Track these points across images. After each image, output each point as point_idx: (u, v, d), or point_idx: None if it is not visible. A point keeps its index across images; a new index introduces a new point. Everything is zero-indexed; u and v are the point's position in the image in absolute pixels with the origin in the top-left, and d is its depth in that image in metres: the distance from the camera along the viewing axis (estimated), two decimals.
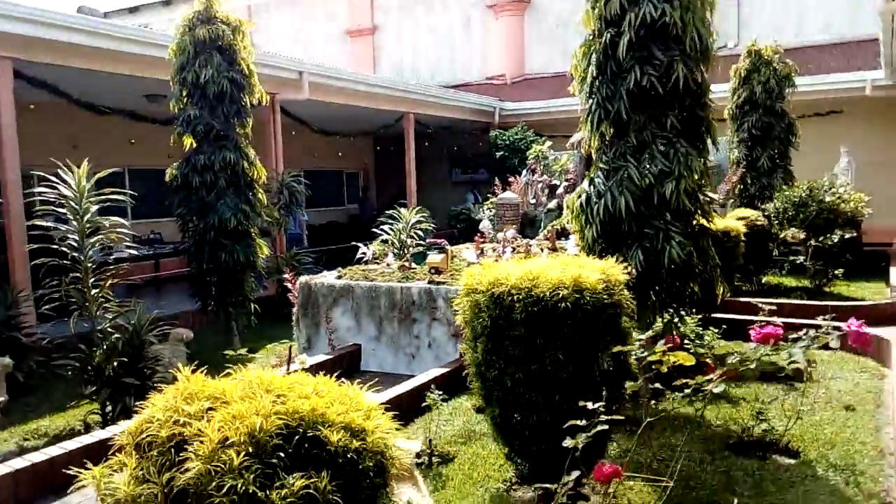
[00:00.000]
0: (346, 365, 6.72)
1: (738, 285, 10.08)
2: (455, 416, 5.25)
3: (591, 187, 5.21)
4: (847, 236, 8.98)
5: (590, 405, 2.75)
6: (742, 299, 9.07)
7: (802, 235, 9.12)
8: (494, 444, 4.21)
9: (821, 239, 9.15)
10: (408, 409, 4.89)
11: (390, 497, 2.02)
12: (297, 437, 1.79)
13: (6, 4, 6.89)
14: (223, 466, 1.64)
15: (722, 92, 11.91)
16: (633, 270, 5.02)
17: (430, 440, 4.38)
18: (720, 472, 4.22)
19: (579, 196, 5.26)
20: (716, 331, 6.27)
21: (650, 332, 5.35)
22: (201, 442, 1.70)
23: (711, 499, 3.86)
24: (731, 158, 11.48)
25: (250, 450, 1.68)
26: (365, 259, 8.38)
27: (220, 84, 7.01)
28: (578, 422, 2.77)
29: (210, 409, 1.83)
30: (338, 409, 1.91)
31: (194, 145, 7.24)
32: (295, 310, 7.15)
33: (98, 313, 5.41)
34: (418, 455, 4.36)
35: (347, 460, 1.81)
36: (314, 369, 6.47)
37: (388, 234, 9.06)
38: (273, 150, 10.62)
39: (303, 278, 7.13)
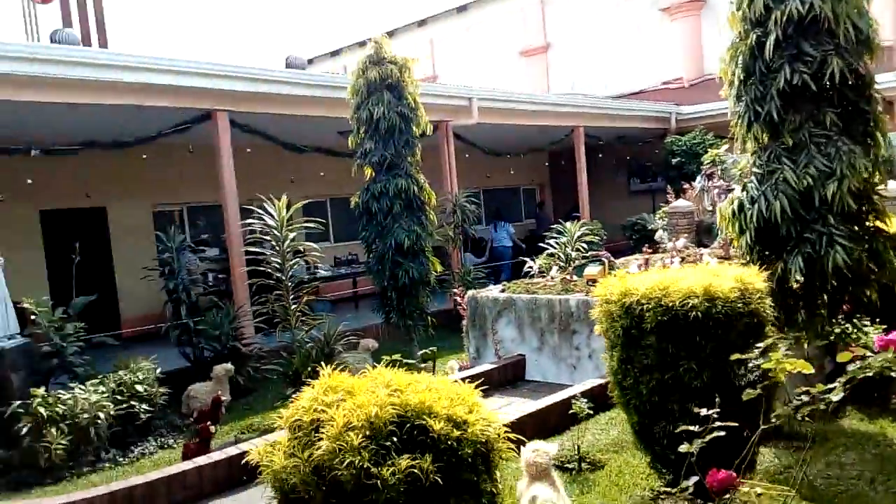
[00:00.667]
0: (511, 374, 7.06)
1: None
2: (611, 426, 5.35)
3: (744, 193, 5.08)
4: None
5: (703, 412, 2.82)
6: None
7: None
8: (642, 454, 4.29)
9: None
10: (560, 418, 5.10)
11: (495, 483, 2.30)
12: (407, 424, 2.15)
13: (223, 66, 8.24)
14: (346, 445, 2.05)
15: None
16: (796, 278, 4.86)
17: (578, 446, 4.56)
18: (891, 492, 3.93)
19: (731, 203, 5.15)
20: None
21: (815, 342, 5.10)
22: (331, 425, 2.13)
23: None
24: None
25: (368, 433, 2.08)
26: (531, 273, 8.69)
27: (391, 119, 7.76)
28: (692, 427, 2.85)
29: (342, 399, 2.26)
30: (443, 403, 2.25)
31: (372, 175, 8.06)
32: (464, 322, 7.64)
33: (296, 325, 6.25)
34: (566, 461, 4.57)
35: (448, 447, 2.13)
36: (480, 377, 6.90)
37: (554, 247, 9.29)
38: (447, 172, 11.34)
39: (470, 292, 7.62)
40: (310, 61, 28.80)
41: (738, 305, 3.50)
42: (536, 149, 14.69)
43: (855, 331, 5.09)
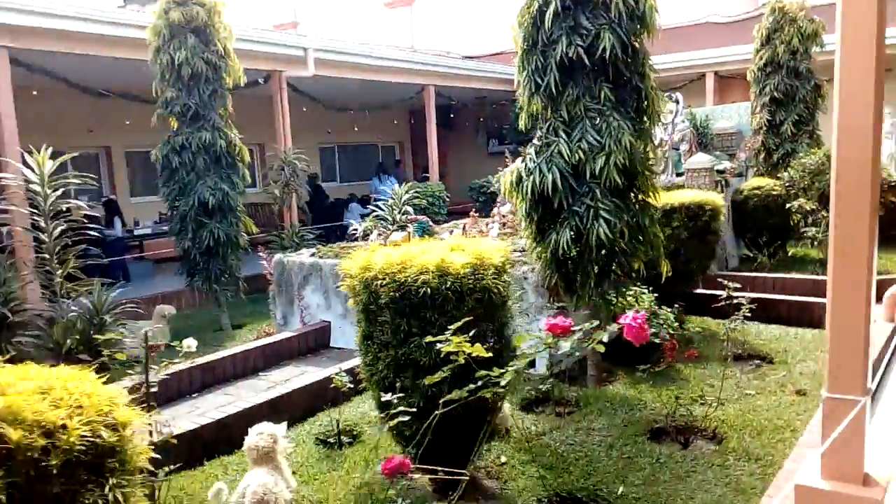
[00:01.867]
0: (314, 341, 6.86)
1: (751, 255, 9.67)
2: None
3: (523, 164, 5.07)
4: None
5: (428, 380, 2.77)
6: (740, 273, 8.71)
7: (811, 206, 8.58)
8: None
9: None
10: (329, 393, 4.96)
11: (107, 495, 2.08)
12: None
13: None
14: None
15: (746, 54, 11.32)
16: (564, 248, 4.94)
17: (337, 421, 4.45)
18: (624, 458, 4.11)
19: (512, 173, 5.14)
20: (671, 309, 6.04)
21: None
22: None
23: (599, 487, 3.78)
24: (752, 124, 10.86)
25: None
26: (356, 236, 8.46)
27: (195, 65, 7.17)
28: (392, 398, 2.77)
29: None
30: (36, 407, 1.97)
31: (177, 126, 7.46)
32: (271, 287, 7.33)
33: (63, 293, 5.68)
34: (329, 436, 4.45)
35: (29, 459, 1.87)
36: (282, 345, 6.66)
37: (382, 209, 9.10)
38: (280, 126, 10.79)
39: (277, 256, 7.29)
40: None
41: (469, 282, 3.44)
42: (385, 106, 14.34)
43: (619, 297, 5.26)
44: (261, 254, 7.06)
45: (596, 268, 5.08)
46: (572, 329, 2.48)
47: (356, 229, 8.54)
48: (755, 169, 11.04)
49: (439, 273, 3.43)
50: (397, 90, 13.81)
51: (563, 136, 4.93)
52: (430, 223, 8.40)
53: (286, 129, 10.79)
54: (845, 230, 2.72)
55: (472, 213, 9.68)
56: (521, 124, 5.25)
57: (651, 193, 5.21)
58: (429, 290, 3.38)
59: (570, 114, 4.95)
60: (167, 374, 3.82)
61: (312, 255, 7.29)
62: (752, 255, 9.80)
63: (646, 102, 4.99)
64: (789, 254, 10.02)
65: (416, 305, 3.45)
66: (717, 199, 6.77)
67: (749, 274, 8.61)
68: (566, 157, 4.85)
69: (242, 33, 10.06)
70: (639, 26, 4.91)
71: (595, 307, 5.25)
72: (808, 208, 8.53)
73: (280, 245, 9.78)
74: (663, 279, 5.45)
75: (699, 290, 7.60)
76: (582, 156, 4.82)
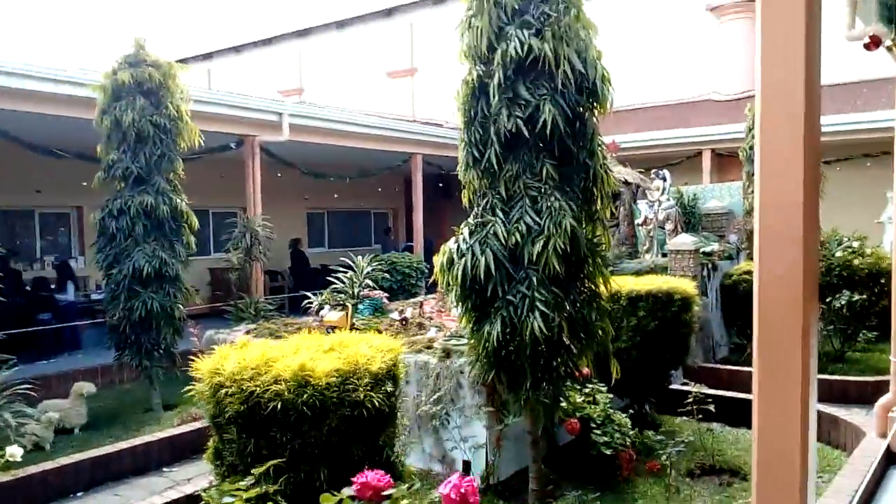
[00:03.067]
0: None
1: (741, 344, 8.96)
2: None
3: (456, 244, 4.51)
4: (858, 298, 7.72)
5: None
6: (724, 367, 7.99)
7: None
8: None
9: (827, 301, 7.92)
10: None
11: None
12: None
13: None
14: None
15: (737, 133, 10.88)
16: (493, 343, 4.33)
17: None
18: None
19: (444, 254, 4.57)
20: (643, 408, 5.36)
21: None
22: None
23: None
24: (745, 204, 10.31)
25: None
26: (311, 309, 7.88)
27: (142, 128, 6.78)
28: None
29: None
30: None
31: (120, 189, 7.03)
32: None
33: None
34: None
35: None
36: (191, 436, 5.96)
37: (343, 282, 8.54)
38: (251, 191, 10.40)
39: (209, 332, 6.70)
40: (182, 61, 27.08)
41: (333, 395, 2.82)
42: (371, 174, 13.98)
43: (556, 400, 4.59)
44: (191, 329, 6.47)
45: (533, 366, 4.43)
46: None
47: (311, 302, 7.96)
48: (747, 252, 10.42)
49: (297, 383, 2.82)
50: (384, 157, 13.49)
51: (501, 215, 4.38)
52: (385, 300, 7.82)
53: (256, 194, 10.39)
54: (769, 323, 2.15)
55: (440, 289, 9.10)
56: (465, 201, 4.72)
57: (601, 282, 4.61)
58: (279, 404, 2.77)
59: (510, 192, 4.42)
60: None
61: (247, 332, 6.69)
62: (742, 343, 9.08)
63: (595, 182, 4.45)
64: None
65: (265, 422, 2.83)
66: (688, 286, 6.13)
67: (734, 367, 7.89)
68: (502, 240, 4.28)
69: (213, 97, 9.83)
70: (588, 99, 4.42)
71: (534, 411, 4.58)
72: None
73: (236, 315, 9.21)
74: (613, 380, 4.79)
75: (675, 386, 6.89)
76: (519, 238, 4.26)
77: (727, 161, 14.64)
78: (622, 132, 15.54)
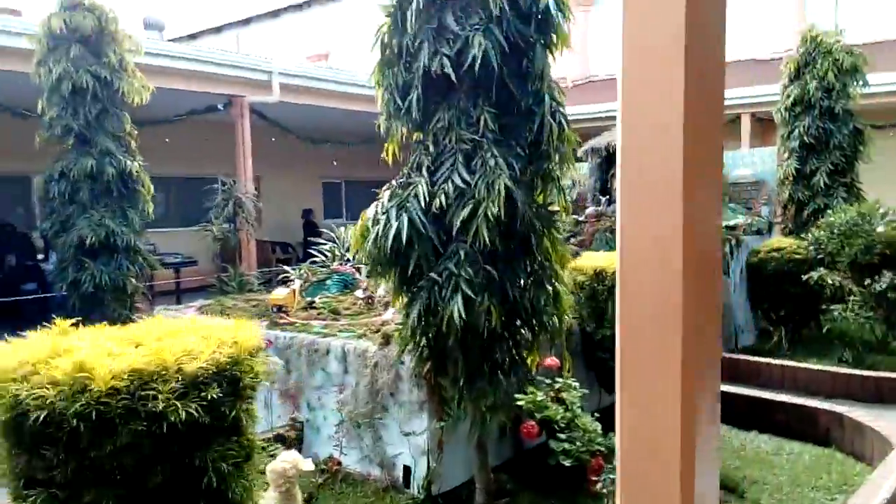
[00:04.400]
0: None
1: (770, 330, 7.95)
2: None
3: (373, 210, 3.75)
4: None
5: None
6: (743, 357, 7.03)
7: (834, 279, 6.86)
8: None
9: (865, 284, 6.86)
10: None
11: None
12: None
13: None
14: None
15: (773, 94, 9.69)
16: (414, 328, 3.58)
17: None
18: None
19: (363, 221, 3.80)
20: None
21: None
22: None
23: None
24: (779, 173, 9.17)
25: None
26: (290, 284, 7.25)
27: (80, 80, 6.18)
28: None
29: None
30: None
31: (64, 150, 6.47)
32: None
33: None
34: None
35: None
36: None
37: (325, 255, 7.89)
38: (241, 156, 9.79)
39: (157, 309, 6.12)
40: (193, 36, 26.65)
41: (121, 403, 2.13)
42: (374, 140, 13.17)
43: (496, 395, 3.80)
44: (138, 305, 5.90)
45: (467, 358, 3.66)
46: None
47: (289, 276, 7.32)
48: (782, 226, 9.31)
49: (72, 388, 2.12)
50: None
51: (426, 175, 3.59)
52: (357, 276, 7.11)
53: (247, 158, 9.78)
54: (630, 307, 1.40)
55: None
56: (389, 158, 3.94)
57: (556, 260, 3.78)
58: (43, 414, 2.08)
59: (440, 146, 3.62)
60: None
61: (200, 308, 6.08)
62: (771, 329, 8.08)
63: (543, 135, 3.60)
64: (824, 330, 8.12)
65: (35, 437, 2.15)
66: None
67: (754, 358, 6.92)
68: (423, 203, 3.50)
69: (195, 53, 9.21)
70: (537, 31, 3.56)
71: (476, 411, 3.82)
72: (829, 281, 6.81)
73: (220, 290, 8.65)
74: (596, 375, 3.99)
75: None
76: (444, 202, 3.46)
77: (769, 126, 13.31)
78: None
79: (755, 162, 9.08)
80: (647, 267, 1.35)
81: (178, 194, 13.10)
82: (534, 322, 3.73)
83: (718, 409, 1.48)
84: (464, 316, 3.32)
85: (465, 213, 3.41)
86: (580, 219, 8.80)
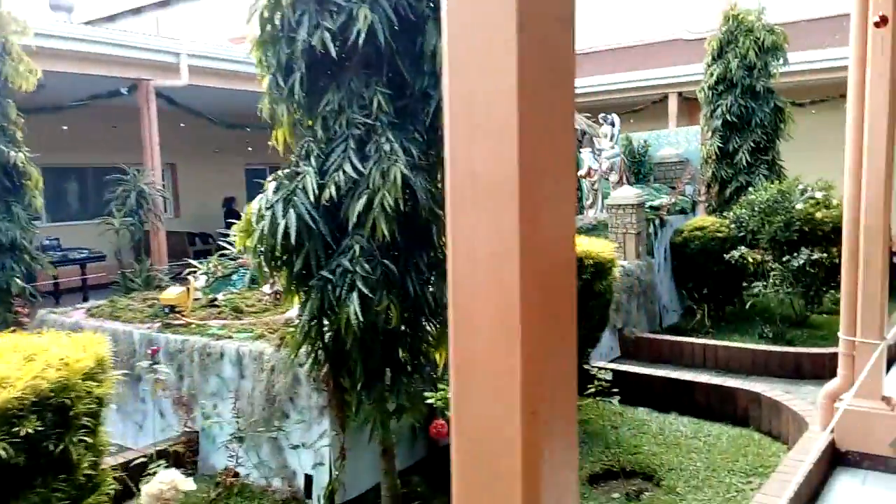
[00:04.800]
0: None
1: (694, 308, 7.96)
2: None
3: (258, 203, 3.42)
4: (819, 256, 6.70)
5: None
6: (666, 338, 7.00)
7: (755, 256, 6.89)
8: None
9: (784, 260, 6.90)
10: None
11: None
12: None
13: None
14: None
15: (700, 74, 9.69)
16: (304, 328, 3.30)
17: None
18: None
19: (247, 215, 3.47)
20: None
21: None
22: None
23: None
24: (702, 151, 9.20)
25: None
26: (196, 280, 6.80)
27: None
28: None
29: None
30: None
31: None
32: None
33: None
34: None
35: None
36: None
37: (231, 248, 7.45)
38: (147, 143, 9.19)
39: (41, 312, 5.61)
40: (111, 18, 25.26)
41: None
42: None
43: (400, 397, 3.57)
44: (18, 309, 5.40)
45: (366, 359, 3.39)
46: None
47: (195, 271, 6.87)
48: (706, 205, 9.37)
49: None
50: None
51: (314, 163, 3.27)
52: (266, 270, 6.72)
53: (154, 146, 9.18)
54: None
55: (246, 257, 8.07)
56: (279, 147, 3.60)
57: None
58: None
59: (330, 131, 3.31)
60: None
61: (87, 312, 5.61)
62: (694, 307, 8.10)
63: (440, 119, 3.33)
64: (747, 306, 8.18)
65: None
66: (603, 249, 5.07)
67: (676, 339, 6.90)
68: (312, 196, 3.19)
69: (95, 35, 8.56)
70: (426, 6, 3.27)
71: (377, 414, 3.56)
72: (750, 259, 6.83)
73: (124, 287, 8.11)
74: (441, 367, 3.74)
75: (599, 364, 5.88)
76: (335, 193, 3.16)
77: (696, 106, 13.45)
78: (580, 77, 14.35)
79: (679, 141, 9.07)
80: (481, 286, 1.10)
81: (86, 185, 12.35)
82: (439, 316, 3.48)
83: (574, 435, 1.25)
84: (360, 317, 3.04)
85: (359, 205, 3.12)
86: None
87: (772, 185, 7.41)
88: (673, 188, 8.58)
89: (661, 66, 13.30)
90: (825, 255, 6.66)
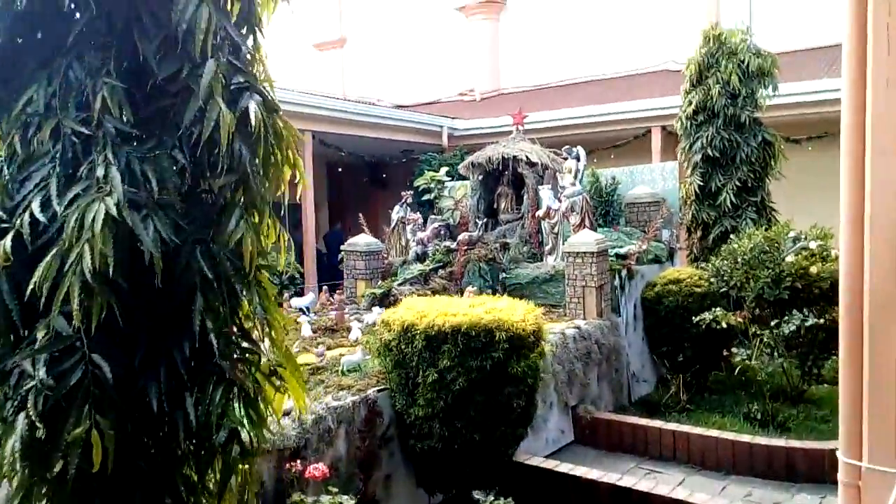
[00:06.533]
0: None
1: (669, 378, 6.66)
2: None
3: None
4: (813, 322, 5.44)
5: None
6: (625, 419, 5.69)
7: (736, 319, 5.62)
8: None
9: (772, 324, 5.64)
10: None
11: None
12: None
13: None
14: None
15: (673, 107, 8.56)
16: None
17: None
18: None
19: None
20: None
21: None
22: None
23: None
24: (681, 191, 8.00)
25: None
26: None
27: None
28: None
29: None
30: None
31: None
32: None
33: None
34: None
35: None
36: None
37: None
38: None
39: None
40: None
41: None
42: None
43: None
44: None
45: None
46: None
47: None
48: (687, 252, 8.14)
49: None
50: None
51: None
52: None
53: None
54: None
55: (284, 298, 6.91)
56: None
57: (257, 327, 2.31)
58: None
59: (30, 146, 2.10)
60: None
61: None
62: (669, 377, 6.80)
63: (226, 133, 2.12)
64: (736, 371, 6.78)
65: None
66: (525, 317, 3.78)
67: (641, 422, 5.58)
68: None
69: None
70: None
71: None
72: (724, 324, 5.56)
73: None
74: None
75: (532, 461, 4.55)
76: (21, 244, 1.93)
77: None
78: (554, 109, 13.32)
79: (654, 179, 7.88)
80: None
81: None
82: (210, 447, 2.21)
83: None
84: (17, 456, 1.78)
85: (45, 268, 1.89)
86: (452, 246, 7.40)
87: (756, 232, 6.17)
88: (646, 232, 7.36)
89: (643, 97, 12.23)
90: (823, 319, 5.40)
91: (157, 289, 2.09)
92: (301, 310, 6.61)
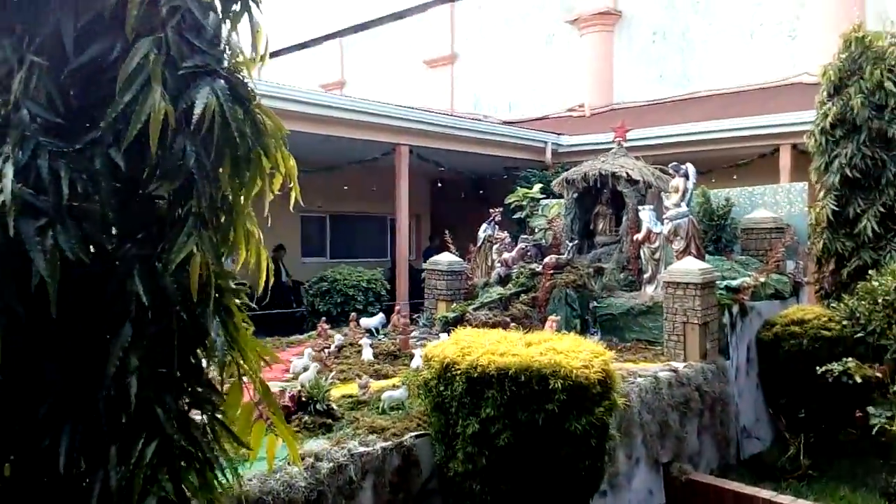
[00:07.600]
0: None
1: (787, 437, 5.63)
2: None
3: None
4: None
5: None
6: (726, 485, 4.77)
7: (873, 373, 4.60)
8: None
9: None
10: None
11: None
12: None
13: None
14: None
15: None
16: None
17: None
18: None
19: None
20: None
21: None
22: None
23: None
24: (811, 216, 6.91)
25: None
26: None
27: None
28: None
29: None
30: None
31: None
32: None
33: None
34: None
35: None
36: None
37: None
38: None
39: None
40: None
41: None
42: (333, 167, 11.40)
43: None
44: None
45: None
46: None
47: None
48: (816, 288, 7.01)
49: None
50: (361, 148, 10.98)
51: None
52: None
53: None
54: None
55: (352, 317, 6.63)
56: None
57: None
58: None
59: None
60: None
61: None
62: (788, 436, 5.77)
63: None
64: (874, 432, 5.68)
65: None
66: (585, 366, 3.07)
67: (745, 490, 4.65)
68: None
69: None
70: None
71: None
72: (858, 377, 4.55)
73: None
74: None
75: None
76: None
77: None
78: (674, 124, 12.31)
79: (778, 201, 6.84)
80: None
81: None
82: None
83: None
84: None
85: None
86: (537, 269, 6.76)
87: None
88: (764, 263, 6.36)
89: (772, 111, 11.01)
90: None
91: (80, 318, 1.68)
92: (369, 331, 6.20)
